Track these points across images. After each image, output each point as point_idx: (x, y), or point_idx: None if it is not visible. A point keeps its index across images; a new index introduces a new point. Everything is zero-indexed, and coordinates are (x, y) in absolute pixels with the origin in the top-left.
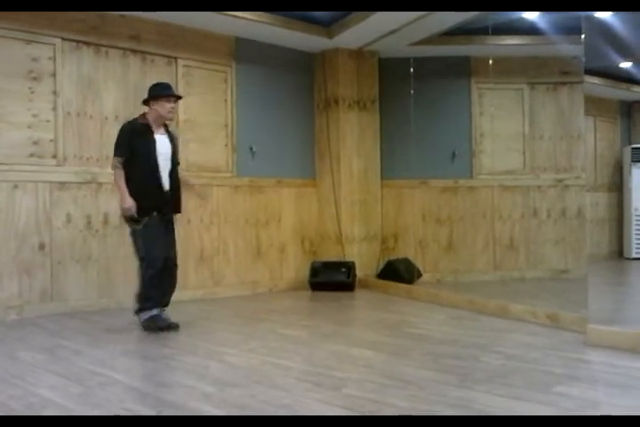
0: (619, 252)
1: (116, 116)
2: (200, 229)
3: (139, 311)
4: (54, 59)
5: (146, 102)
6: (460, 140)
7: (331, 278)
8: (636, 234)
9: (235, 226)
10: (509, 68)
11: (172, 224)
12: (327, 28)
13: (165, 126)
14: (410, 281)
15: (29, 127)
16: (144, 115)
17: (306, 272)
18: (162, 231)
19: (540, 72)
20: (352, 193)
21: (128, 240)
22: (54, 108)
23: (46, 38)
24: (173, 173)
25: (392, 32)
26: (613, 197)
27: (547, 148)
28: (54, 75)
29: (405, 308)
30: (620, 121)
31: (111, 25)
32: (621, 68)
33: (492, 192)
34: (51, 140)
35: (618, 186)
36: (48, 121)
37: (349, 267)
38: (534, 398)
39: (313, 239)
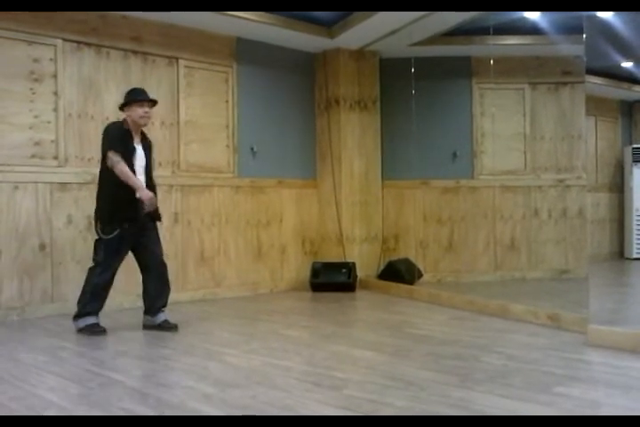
0: (619, 252)
1: (117, 118)
2: (201, 230)
3: (76, 317)
4: (55, 60)
5: (121, 109)
6: (461, 140)
7: (331, 279)
8: (637, 234)
9: (235, 226)
10: (510, 69)
11: (154, 229)
12: (328, 28)
13: (142, 134)
14: (410, 282)
15: (31, 128)
16: (123, 121)
17: (306, 273)
18: (130, 243)
19: (541, 72)
20: (353, 194)
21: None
22: (55, 109)
23: (47, 39)
24: (149, 182)
25: (393, 32)
26: (614, 198)
27: (548, 148)
28: (55, 76)
29: (406, 308)
30: (621, 121)
31: (112, 26)
32: (623, 68)
33: (493, 192)
34: (52, 141)
35: (619, 186)
36: (49, 122)
37: (350, 267)
38: (535, 398)
39: (314, 240)
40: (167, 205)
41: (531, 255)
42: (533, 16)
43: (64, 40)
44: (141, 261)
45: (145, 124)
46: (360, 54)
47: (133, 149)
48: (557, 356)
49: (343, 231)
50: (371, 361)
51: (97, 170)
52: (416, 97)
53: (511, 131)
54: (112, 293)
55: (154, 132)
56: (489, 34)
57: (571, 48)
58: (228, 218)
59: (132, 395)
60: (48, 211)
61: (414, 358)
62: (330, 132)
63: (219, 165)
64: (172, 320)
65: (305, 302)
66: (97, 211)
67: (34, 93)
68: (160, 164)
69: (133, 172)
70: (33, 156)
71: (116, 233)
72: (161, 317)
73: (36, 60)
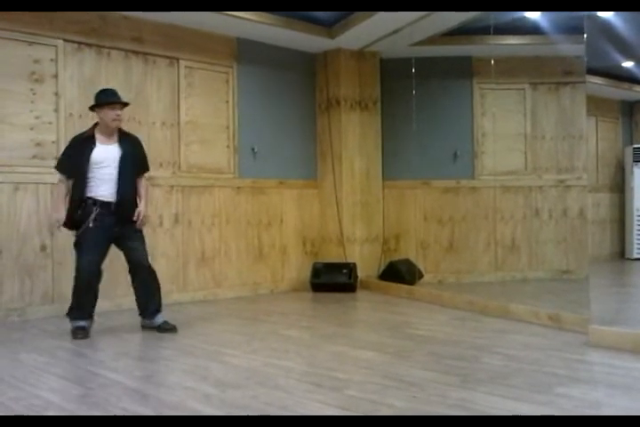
0: (620, 252)
1: None
2: (201, 231)
3: (68, 317)
4: (56, 60)
5: (92, 109)
6: (461, 140)
7: (332, 280)
8: (638, 234)
9: (236, 227)
10: (511, 69)
11: (136, 232)
12: (329, 28)
13: (122, 133)
14: (411, 282)
15: (32, 129)
16: (94, 125)
17: (307, 273)
18: (98, 243)
19: (541, 72)
20: (354, 194)
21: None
22: (56, 110)
23: (48, 40)
24: (122, 183)
25: (394, 32)
26: (615, 198)
27: (548, 148)
28: (56, 76)
29: (407, 309)
30: (622, 121)
31: (113, 26)
32: (623, 68)
33: (494, 193)
34: (53, 142)
35: (619, 186)
36: (50, 123)
37: (351, 268)
38: (536, 399)
39: (314, 240)
40: (168, 205)
41: (531, 256)
42: (534, 16)
43: (65, 41)
44: (129, 268)
45: (117, 127)
46: (360, 54)
47: (87, 154)
48: (558, 356)
49: (344, 232)
50: (371, 362)
51: None
52: (417, 97)
53: (512, 131)
54: (112, 294)
55: (154, 133)
56: (489, 34)
57: (571, 48)
58: (229, 218)
59: (132, 396)
60: (49, 212)
61: (415, 359)
62: (330, 132)
63: (219, 166)
64: (172, 321)
65: (306, 303)
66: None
67: (35, 94)
68: (161, 164)
69: (86, 176)
70: (34, 156)
71: (80, 232)
72: (159, 319)
73: (36, 61)
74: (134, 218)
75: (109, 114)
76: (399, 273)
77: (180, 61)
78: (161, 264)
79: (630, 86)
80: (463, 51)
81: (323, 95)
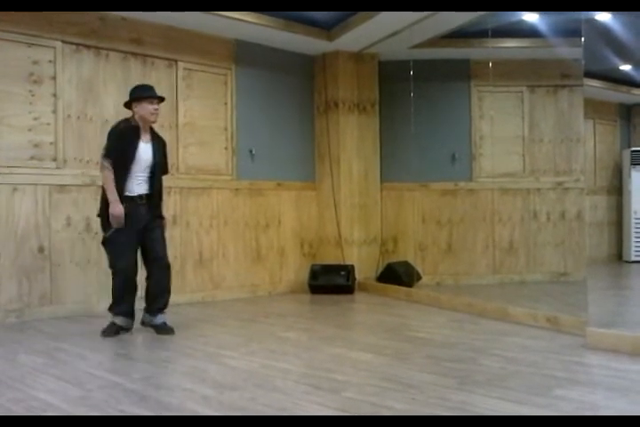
0: (618, 255)
1: (117, 120)
2: (199, 232)
3: (110, 312)
4: (55, 62)
5: (127, 105)
6: (459, 142)
7: (330, 281)
8: (636, 237)
9: (234, 229)
10: (509, 71)
11: (159, 228)
12: (327, 30)
13: (152, 132)
14: (409, 284)
15: (30, 130)
16: (130, 118)
17: (305, 275)
18: (133, 240)
19: (539, 75)
20: (352, 196)
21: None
22: (55, 111)
23: (47, 41)
24: (154, 181)
25: (392, 35)
26: (613, 200)
27: (546, 151)
28: (55, 78)
29: (405, 311)
30: (620, 124)
31: (111, 28)
32: (621, 71)
33: (492, 195)
34: (51, 143)
35: (617, 189)
36: (48, 124)
37: (349, 270)
38: (534, 401)
39: (312, 242)
40: (166, 207)
41: (529, 258)
42: (532, 19)
43: (63, 42)
44: (144, 260)
45: (154, 121)
46: (359, 57)
47: (135, 148)
48: (556, 358)
49: (342, 234)
50: (370, 364)
51: (96, 172)
52: (415, 99)
53: (510, 133)
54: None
55: None
56: (488, 37)
57: (569, 51)
58: (227, 220)
59: (131, 397)
60: (47, 213)
61: (413, 361)
62: (329, 134)
63: (217, 168)
64: (171, 323)
65: (304, 305)
66: (99, 209)
67: (33, 95)
68: None
69: (128, 172)
70: (32, 158)
71: (112, 231)
72: (160, 318)
73: (35, 62)
74: (161, 214)
75: (148, 108)
76: (397, 275)
77: (179, 63)
78: None
79: (628, 89)
80: (461, 53)
81: (321, 97)
